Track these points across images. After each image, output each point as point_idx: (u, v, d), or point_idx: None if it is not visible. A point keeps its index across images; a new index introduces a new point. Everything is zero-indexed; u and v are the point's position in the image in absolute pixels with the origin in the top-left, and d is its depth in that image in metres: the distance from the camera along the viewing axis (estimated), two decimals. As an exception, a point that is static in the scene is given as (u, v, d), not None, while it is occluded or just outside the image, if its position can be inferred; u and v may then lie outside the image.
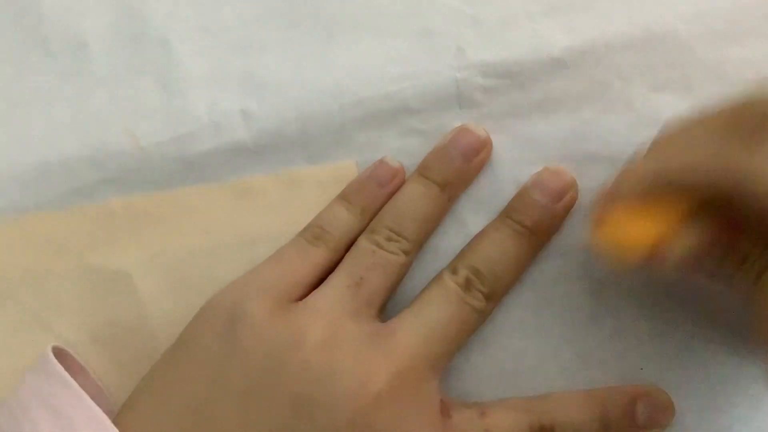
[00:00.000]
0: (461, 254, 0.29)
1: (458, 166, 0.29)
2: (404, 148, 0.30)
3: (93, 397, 0.26)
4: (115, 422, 0.25)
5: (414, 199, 0.29)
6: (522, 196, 0.29)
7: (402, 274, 0.29)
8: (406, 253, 0.29)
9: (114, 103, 0.30)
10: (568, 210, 0.29)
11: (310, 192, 0.30)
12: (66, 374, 0.26)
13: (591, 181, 0.30)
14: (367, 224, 0.29)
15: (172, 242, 0.29)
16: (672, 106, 0.30)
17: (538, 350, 0.30)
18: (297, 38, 0.31)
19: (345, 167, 0.30)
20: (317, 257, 0.28)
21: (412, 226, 0.29)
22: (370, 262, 0.28)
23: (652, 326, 0.29)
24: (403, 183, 0.30)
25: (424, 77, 0.30)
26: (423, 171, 0.29)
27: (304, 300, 0.27)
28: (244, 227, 0.30)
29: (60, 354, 0.29)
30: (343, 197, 0.30)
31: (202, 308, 0.28)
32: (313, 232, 0.29)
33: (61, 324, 0.29)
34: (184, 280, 0.29)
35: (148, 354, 0.27)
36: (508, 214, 0.29)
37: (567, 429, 0.27)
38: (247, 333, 0.26)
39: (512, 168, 0.30)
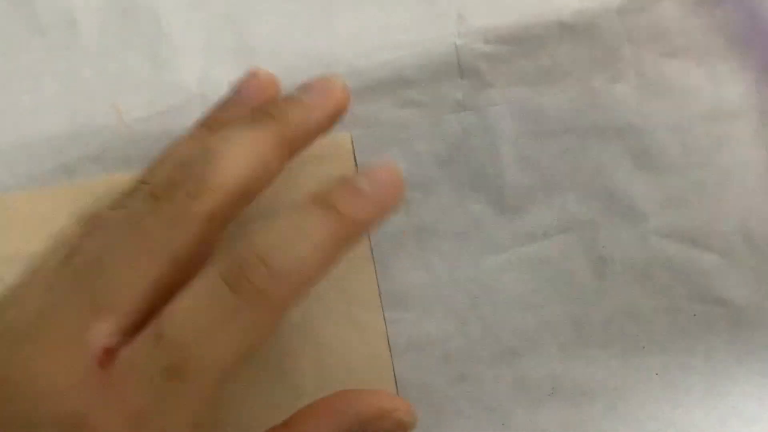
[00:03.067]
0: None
1: None
2: (401, 121, 0.29)
3: None
4: None
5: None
6: (344, 182, 0.22)
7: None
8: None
9: (102, 77, 0.29)
10: (392, 204, 0.22)
11: (304, 167, 0.28)
12: None
13: (599, 154, 0.29)
14: None
15: (159, 222, 0.28)
16: (685, 74, 0.29)
17: (538, 329, 0.29)
18: (292, 6, 0.29)
19: (339, 140, 0.29)
20: None
21: None
22: None
23: (655, 304, 0.29)
24: None
25: (422, 45, 0.28)
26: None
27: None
28: (233, 205, 0.28)
29: None
30: None
31: None
32: None
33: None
34: (171, 262, 0.28)
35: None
36: (319, 196, 0.22)
37: None
38: None
39: (515, 141, 0.29)
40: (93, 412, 0.19)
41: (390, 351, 0.29)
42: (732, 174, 0.29)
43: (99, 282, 0.21)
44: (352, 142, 0.29)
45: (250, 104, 0.25)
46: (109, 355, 0.20)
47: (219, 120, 0.25)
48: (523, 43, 0.28)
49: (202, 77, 0.29)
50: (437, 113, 0.29)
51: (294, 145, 0.23)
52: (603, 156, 0.29)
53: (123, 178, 0.28)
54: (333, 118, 0.24)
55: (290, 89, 0.28)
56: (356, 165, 0.29)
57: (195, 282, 0.21)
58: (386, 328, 0.29)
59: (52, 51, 0.29)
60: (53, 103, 0.29)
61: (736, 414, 0.29)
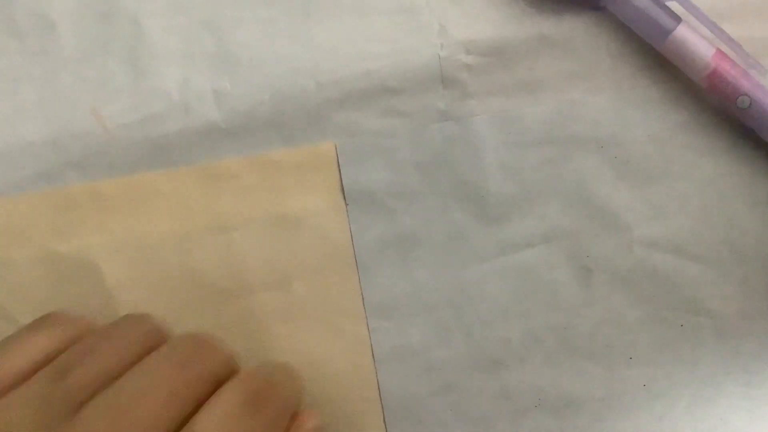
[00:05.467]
0: None
1: None
2: (384, 130, 0.29)
3: None
4: None
5: None
6: None
7: None
8: None
9: (81, 83, 0.29)
10: None
11: (287, 175, 0.29)
12: None
13: (580, 164, 0.29)
14: None
15: (140, 229, 0.28)
16: (664, 85, 0.29)
17: (522, 339, 0.29)
18: (273, 15, 0.29)
19: (323, 149, 0.29)
20: None
21: None
22: None
23: (640, 315, 0.29)
24: None
25: (406, 55, 0.29)
26: None
27: None
28: (216, 213, 0.28)
29: None
30: None
31: None
32: None
33: (25, 314, 0.28)
34: (153, 269, 0.28)
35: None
36: None
37: None
38: None
39: (497, 151, 0.29)
40: None
41: (373, 360, 0.28)
42: (714, 183, 0.29)
43: None
44: (336, 151, 0.29)
45: None
46: None
47: None
48: (503, 55, 0.29)
49: (182, 84, 0.29)
50: (420, 123, 0.29)
51: None
52: (584, 166, 0.29)
53: (103, 184, 0.28)
54: None
55: (269, 98, 0.28)
56: (340, 174, 0.29)
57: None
58: (370, 337, 0.29)
59: (31, 56, 0.29)
60: (32, 109, 0.29)
61: (723, 425, 0.28)
